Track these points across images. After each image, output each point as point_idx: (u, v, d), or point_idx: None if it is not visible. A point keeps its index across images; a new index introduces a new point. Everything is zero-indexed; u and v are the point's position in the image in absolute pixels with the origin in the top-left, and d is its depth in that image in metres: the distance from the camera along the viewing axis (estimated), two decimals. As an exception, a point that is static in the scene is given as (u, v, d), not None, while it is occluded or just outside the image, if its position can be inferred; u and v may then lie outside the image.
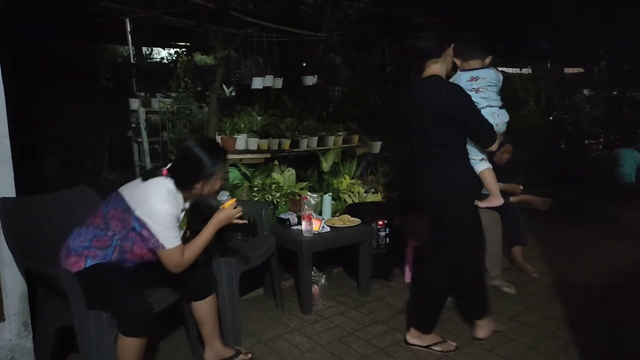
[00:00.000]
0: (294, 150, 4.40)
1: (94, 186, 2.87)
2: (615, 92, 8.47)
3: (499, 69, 8.15)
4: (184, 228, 2.51)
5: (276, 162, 4.18)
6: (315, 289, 3.38)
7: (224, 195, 2.52)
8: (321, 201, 3.60)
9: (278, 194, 3.69)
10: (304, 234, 3.18)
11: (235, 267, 2.79)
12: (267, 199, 3.68)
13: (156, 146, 4.22)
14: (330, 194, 3.73)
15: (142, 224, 2.14)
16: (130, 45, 4.95)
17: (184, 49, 5.76)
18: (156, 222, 2.13)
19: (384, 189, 4.32)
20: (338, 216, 3.61)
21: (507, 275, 3.85)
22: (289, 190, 3.73)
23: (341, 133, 4.82)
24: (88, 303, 2.14)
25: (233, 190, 3.77)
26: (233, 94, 4.26)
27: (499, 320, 3.09)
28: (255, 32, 4.58)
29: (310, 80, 4.98)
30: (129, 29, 4.80)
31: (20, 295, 2.50)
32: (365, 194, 4.12)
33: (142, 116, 4.19)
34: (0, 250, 2.42)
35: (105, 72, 4.75)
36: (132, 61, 5.04)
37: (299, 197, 3.63)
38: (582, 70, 8.92)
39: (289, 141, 4.35)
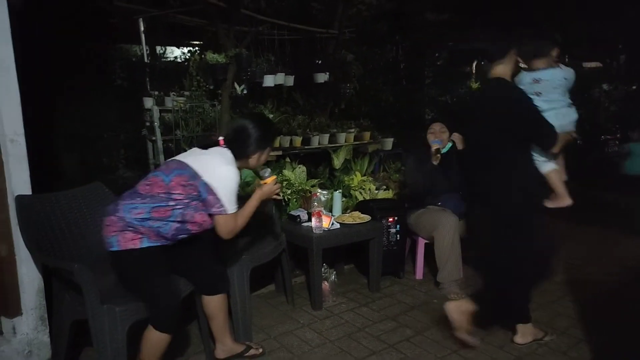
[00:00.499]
0: (306, 147, 4.41)
1: (110, 184, 2.90)
2: (634, 87, 8.31)
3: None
4: None
5: (288, 159, 4.20)
6: (325, 285, 3.40)
7: (266, 172, 2.66)
8: (331, 198, 3.61)
9: (289, 191, 3.71)
10: (314, 230, 3.19)
11: (245, 263, 2.82)
12: (278, 196, 3.69)
13: (170, 144, 4.26)
14: (341, 190, 3.74)
15: (210, 189, 2.21)
16: (144, 45, 5.01)
17: (197, 48, 5.81)
18: (223, 186, 2.23)
19: (396, 185, 4.31)
20: (349, 213, 3.62)
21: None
22: (299, 187, 3.74)
23: (353, 130, 4.82)
24: (124, 283, 2.24)
25: (244, 187, 3.79)
26: (245, 92, 4.28)
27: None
28: (267, 29, 4.60)
29: (322, 77, 4.98)
30: (142, 28, 4.86)
31: (36, 290, 2.55)
32: (377, 191, 4.12)
33: (156, 115, 4.23)
34: (17, 247, 2.47)
35: (120, 72, 4.80)
36: (146, 60, 5.10)
37: (309, 194, 3.64)
38: (601, 64, 8.77)
39: (301, 138, 4.37)
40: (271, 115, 4.34)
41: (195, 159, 2.28)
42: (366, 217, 3.49)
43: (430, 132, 3.72)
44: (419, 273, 3.80)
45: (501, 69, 2.59)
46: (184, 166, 2.24)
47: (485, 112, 2.56)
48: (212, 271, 2.54)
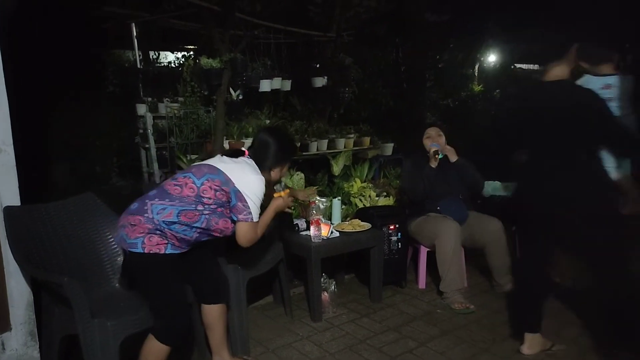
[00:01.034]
0: (304, 153, 4.34)
1: (102, 193, 2.85)
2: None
3: (517, 65, 8.07)
4: None
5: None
6: (325, 296, 3.32)
7: (279, 185, 2.76)
8: (331, 205, 3.53)
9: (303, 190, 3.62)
10: (312, 239, 3.12)
11: (242, 273, 2.75)
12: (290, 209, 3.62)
13: (164, 152, 4.19)
14: (340, 198, 3.67)
15: (241, 196, 2.24)
16: (137, 50, 4.95)
17: (191, 53, 5.75)
18: (253, 194, 2.27)
19: (397, 192, 4.24)
20: (348, 221, 3.54)
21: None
22: (317, 188, 3.67)
23: (352, 135, 4.75)
24: (138, 287, 2.28)
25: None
26: (240, 97, 4.22)
27: (515, 327, 3.01)
28: (263, 33, 4.54)
29: (320, 81, 4.92)
30: (135, 33, 4.79)
31: (26, 305, 2.49)
32: (377, 198, 4.04)
33: (150, 121, 4.17)
34: (5, 259, 2.41)
35: (112, 78, 4.76)
36: (138, 66, 5.04)
37: (308, 202, 3.56)
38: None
39: (299, 144, 4.29)
40: (268, 121, 4.28)
41: (227, 166, 2.32)
42: (366, 225, 3.42)
43: (427, 137, 3.68)
44: (422, 282, 3.72)
45: (559, 71, 2.51)
46: (217, 171, 2.27)
47: (559, 112, 2.46)
48: (213, 279, 2.52)
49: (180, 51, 6.10)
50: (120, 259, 2.63)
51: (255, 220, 2.29)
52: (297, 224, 3.36)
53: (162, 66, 5.95)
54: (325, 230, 3.20)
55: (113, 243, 2.65)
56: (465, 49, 7.50)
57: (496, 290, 3.55)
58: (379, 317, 3.24)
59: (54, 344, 2.38)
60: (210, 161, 2.39)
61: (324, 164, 4.49)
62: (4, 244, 2.39)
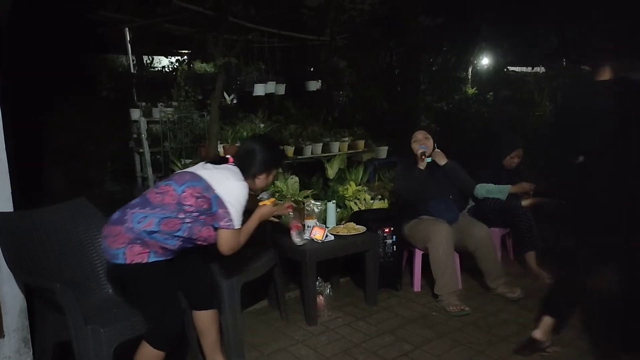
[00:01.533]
0: (298, 157, 4.34)
1: (96, 198, 2.83)
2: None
3: (510, 68, 8.06)
4: None
5: (280, 169, 4.11)
6: (320, 299, 3.31)
7: (265, 194, 2.70)
8: (325, 209, 3.52)
9: (281, 203, 3.62)
10: (295, 243, 3.11)
11: (236, 278, 2.74)
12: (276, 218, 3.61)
13: (158, 156, 4.18)
14: (334, 201, 3.66)
15: (221, 203, 2.21)
16: (130, 55, 4.93)
17: (185, 57, 5.74)
18: (235, 201, 2.23)
19: (391, 194, 4.24)
20: (343, 224, 3.54)
21: (520, 282, 3.75)
22: (292, 199, 3.65)
23: (346, 139, 4.75)
24: (128, 297, 2.25)
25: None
26: (234, 101, 4.21)
27: (510, 328, 3.01)
28: (257, 37, 4.53)
29: (314, 85, 4.92)
30: (128, 38, 4.78)
31: (19, 311, 2.48)
32: (372, 201, 4.04)
33: (144, 126, 4.16)
34: (-2, 266, 2.38)
35: (106, 82, 4.73)
36: (132, 71, 5.02)
37: (303, 205, 3.56)
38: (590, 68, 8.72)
39: (293, 148, 4.29)
40: (262, 125, 4.27)
41: (209, 172, 2.30)
42: (361, 228, 3.41)
43: (414, 141, 3.69)
44: (417, 285, 3.71)
45: (610, 70, 2.52)
46: (198, 178, 2.25)
47: (627, 110, 2.42)
48: (204, 285, 2.50)
49: (174, 56, 6.09)
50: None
51: (237, 227, 2.26)
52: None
53: (156, 71, 5.94)
54: (320, 234, 3.19)
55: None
56: (459, 52, 7.52)
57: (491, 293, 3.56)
58: (374, 320, 3.24)
59: (47, 350, 2.37)
60: (192, 168, 2.38)
61: (319, 167, 4.48)
62: (-4, 251, 2.36)
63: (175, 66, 5.73)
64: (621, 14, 2.74)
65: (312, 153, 4.44)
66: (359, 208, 3.93)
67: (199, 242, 2.31)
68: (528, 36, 7.15)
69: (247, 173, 2.40)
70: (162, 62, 6.20)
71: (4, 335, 2.44)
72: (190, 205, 2.19)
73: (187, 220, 2.20)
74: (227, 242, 2.27)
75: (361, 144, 4.86)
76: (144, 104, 4.63)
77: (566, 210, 3.22)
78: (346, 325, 3.17)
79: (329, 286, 3.52)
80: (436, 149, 3.69)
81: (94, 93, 4.65)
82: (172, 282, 2.30)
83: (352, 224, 3.49)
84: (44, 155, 3.85)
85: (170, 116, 4.21)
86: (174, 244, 2.22)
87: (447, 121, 7.10)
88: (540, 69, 7.82)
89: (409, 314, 3.32)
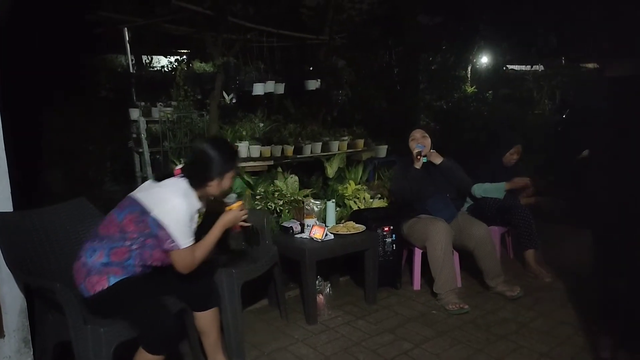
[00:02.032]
0: (298, 156, 4.34)
1: (95, 198, 2.83)
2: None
3: (509, 66, 8.06)
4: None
5: (279, 169, 4.12)
6: (320, 298, 3.31)
7: (231, 198, 2.54)
8: (325, 208, 3.53)
9: (281, 202, 3.63)
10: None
11: (236, 277, 2.73)
12: (270, 207, 3.61)
13: (157, 156, 4.18)
14: (334, 200, 3.66)
15: (159, 225, 2.13)
16: (129, 55, 4.93)
17: (184, 57, 5.74)
18: (173, 220, 2.13)
19: (391, 194, 4.24)
20: (343, 223, 3.54)
21: (519, 281, 3.76)
22: (292, 198, 3.66)
23: (346, 138, 4.75)
24: (113, 319, 2.15)
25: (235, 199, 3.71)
26: (234, 101, 4.21)
27: (509, 327, 3.03)
28: (256, 37, 4.54)
29: (313, 84, 4.92)
30: (127, 38, 4.78)
31: (19, 311, 2.47)
32: (371, 200, 4.05)
33: (143, 126, 4.16)
34: (-3, 266, 2.38)
35: (105, 82, 4.73)
36: (131, 70, 5.02)
37: (302, 205, 3.56)
38: (599, 66, 8.72)
39: (292, 147, 4.29)
40: (261, 125, 4.27)
41: (147, 193, 2.22)
42: (361, 227, 3.41)
43: (412, 139, 3.69)
44: (416, 283, 3.72)
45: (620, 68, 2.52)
46: (135, 202, 2.19)
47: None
48: (202, 285, 2.47)
49: (173, 55, 6.08)
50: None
51: (185, 246, 2.16)
52: (291, 227, 3.35)
53: (155, 70, 5.93)
54: (319, 233, 3.19)
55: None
56: (458, 51, 7.52)
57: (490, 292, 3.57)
58: (374, 319, 3.24)
59: (47, 350, 2.36)
60: (134, 192, 2.31)
61: (318, 166, 4.48)
62: (-4, 251, 2.36)
63: (174, 66, 5.72)
64: (621, 11, 2.72)
65: (311, 152, 4.44)
66: (358, 207, 3.93)
67: (156, 264, 2.25)
68: (527, 35, 7.15)
69: (196, 182, 2.28)
70: (161, 61, 6.20)
71: (4, 335, 2.43)
72: (133, 232, 2.15)
73: (134, 246, 2.17)
74: (178, 262, 2.19)
75: (360, 143, 4.86)
76: (143, 103, 4.63)
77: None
78: (346, 324, 3.18)
79: (329, 285, 3.52)
80: (431, 150, 3.68)
81: (93, 93, 4.65)
82: (151, 288, 2.24)
83: (351, 223, 3.49)
84: (44, 156, 3.85)
85: (169, 116, 4.21)
86: (133, 270, 2.19)
87: (446, 120, 7.11)
88: (539, 68, 7.83)
89: (409, 313, 3.32)
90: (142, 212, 2.15)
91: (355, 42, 5.94)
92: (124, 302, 2.15)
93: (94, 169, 4.52)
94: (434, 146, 3.71)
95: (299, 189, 3.87)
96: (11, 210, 2.42)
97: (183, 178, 2.27)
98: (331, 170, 4.35)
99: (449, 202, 3.64)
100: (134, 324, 2.14)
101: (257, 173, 4.14)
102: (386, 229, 3.57)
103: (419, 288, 3.71)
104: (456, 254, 3.61)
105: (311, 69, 5.10)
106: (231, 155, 2.39)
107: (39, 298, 2.40)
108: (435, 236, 3.39)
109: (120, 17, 4.36)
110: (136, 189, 2.33)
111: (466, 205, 4.10)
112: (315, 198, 3.73)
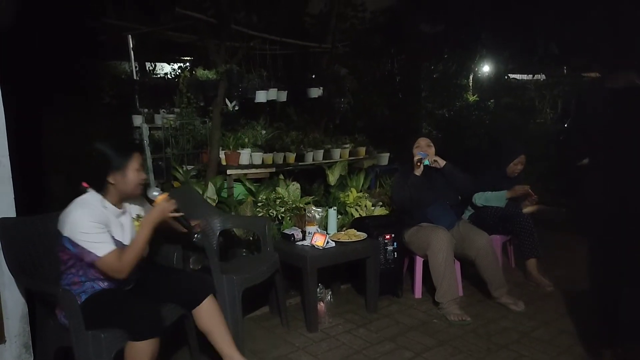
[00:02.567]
0: (299, 164, 4.35)
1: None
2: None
3: (511, 75, 8.09)
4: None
5: (281, 176, 4.13)
6: (321, 306, 3.31)
7: (154, 191, 2.38)
8: (326, 215, 3.53)
9: (282, 209, 3.63)
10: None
11: (237, 284, 2.74)
12: (272, 214, 3.62)
13: (160, 162, 4.19)
14: (335, 208, 3.66)
15: (73, 242, 2.12)
16: (133, 61, 4.96)
17: (187, 64, 5.78)
18: (79, 233, 2.11)
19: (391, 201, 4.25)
20: (344, 231, 3.54)
21: (521, 290, 3.75)
22: (293, 205, 3.66)
23: (347, 145, 4.77)
24: (98, 326, 2.13)
25: (237, 206, 3.72)
26: (236, 108, 4.23)
27: (511, 336, 3.02)
28: (259, 44, 4.56)
29: (316, 92, 4.95)
30: (131, 45, 4.81)
31: (20, 316, 2.48)
32: (373, 208, 4.05)
33: (146, 132, 4.16)
34: (0, 271, 2.39)
35: (108, 89, 4.75)
36: (135, 77, 5.05)
37: (304, 212, 3.57)
38: (600, 75, 8.72)
39: (294, 155, 4.31)
40: (264, 132, 4.29)
41: (60, 218, 2.20)
42: (362, 235, 3.41)
43: (416, 147, 3.70)
44: (418, 292, 3.71)
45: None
46: (57, 232, 2.19)
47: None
48: (187, 281, 2.46)
49: (177, 62, 6.12)
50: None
51: (104, 253, 2.12)
52: (293, 234, 3.35)
53: (158, 77, 5.97)
54: (321, 240, 3.19)
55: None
56: (460, 60, 7.56)
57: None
58: (375, 328, 3.23)
59: (48, 356, 2.36)
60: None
61: (320, 174, 4.49)
62: (-1, 256, 2.37)
63: (177, 73, 5.76)
64: (623, 21, 2.75)
65: (313, 160, 4.46)
66: (360, 215, 3.93)
67: (110, 278, 2.22)
68: (528, 44, 7.18)
69: (97, 183, 2.23)
70: (165, 69, 6.24)
71: (5, 341, 2.43)
72: (67, 260, 2.20)
73: (78, 271, 2.20)
74: (107, 270, 2.16)
75: (362, 150, 4.87)
76: (146, 110, 4.65)
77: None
78: (347, 332, 3.17)
79: (330, 293, 3.51)
80: (434, 157, 3.68)
81: (96, 99, 4.67)
82: (131, 296, 2.26)
83: (353, 231, 3.49)
84: (47, 161, 3.86)
85: (172, 123, 4.23)
86: (99, 287, 2.23)
87: (448, 128, 7.12)
88: (541, 77, 7.86)
89: (410, 321, 3.32)
90: (61, 238, 2.17)
91: (358, 50, 5.98)
92: (99, 309, 2.16)
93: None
94: (436, 154, 3.72)
95: (301, 196, 3.87)
96: (14, 215, 2.43)
97: (88, 189, 2.24)
98: (333, 177, 4.35)
99: (448, 210, 3.64)
100: (115, 325, 2.13)
101: (259, 180, 4.16)
102: (387, 236, 3.57)
103: (420, 296, 3.70)
104: (457, 263, 3.61)
105: (314, 76, 5.13)
106: (123, 146, 2.30)
107: (41, 303, 2.40)
108: (437, 245, 3.39)
109: (124, 24, 4.40)
110: None
111: (467, 214, 4.10)
112: (316, 205, 3.73)
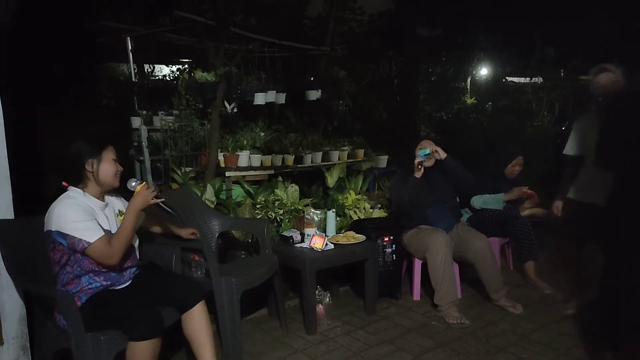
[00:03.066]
0: (298, 166, 4.35)
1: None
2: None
3: (508, 78, 8.10)
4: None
5: (280, 178, 4.13)
6: (319, 308, 3.30)
7: (133, 182, 2.44)
8: (325, 218, 3.53)
9: (281, 211, 3.63)
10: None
11: (235, 286, 2.73)
12: (270, 216, 3.62)
13: (158, 164, 4.19)
14: (334, 210, 3.66)
15: (63, 234, 2.15)
16: (132, 63, 4.95)
17: (186, 66, 5.78)
18: (65, 222, 2.14)
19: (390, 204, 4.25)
20: (343, 233, 3.54)
21: (519, 292, 3.76)
22: (292, 207, 3.67)
23: (346, 148, 4.77)
24: (97, 328, 2.14)
25: (235, 208, 3.72)
26: (235, 110, 4.23)
27: (509, 338, 3.03)
28: (257, 47, 4.57)
29: (314, 94, 4.95)
30: (130, 47, 4.80)
31: (18, 319, 2.46)
32: (372, 210, 4.05)
33: (144, 134, 4.17)
34: (-3, 273, 2.38)
35: (107, 91, 4.75)
36: (133, 79, 5.05)
37: (302, 214, 3.57)
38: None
39: (293, 157, 4.31)
40: (262, 134, 4.29)
41: (45, 219, 2.24)
42: (361, 237, 3.41)
43: (420, 148, 3.68)
44: (416, 294, 3.71)
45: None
46: (46, 234, 2.22)
47: None
48: (180, 285, 2.45)
49: (175, 64, 6.13)
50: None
51: (94, 238, 2.15)
52: (291, 236, 3.35)
53: (157, 79, 5.97)
54: (319, 243, 3.19)
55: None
56: (457, 63, 7.58)
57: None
58: (373, 330, 3.23)
59: (47, 358, 2.35)
60: None
61: (319, 176, 4.50)
62: (-4, 257, 2.36)
63: (176, 75, 5.77)
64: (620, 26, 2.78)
65: (311, 162, 4.46)
66: (358, 217, 3.94)
67: (103, 271, 2.26)
68: (526, 47, 7.21)
69: (74, 177, 2.29)
70: (163, 70, 6.24)
71: (3, 343, 2.42)
72: (61, 257, 2.20)
73: (75, 267, 2.21)
74: (95, 257, 2.19)
75: (361, 153, 4.88)
76: (144, 112, 4.64)
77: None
78: (345, 334, 3.17)
79: (329, 295, 3.51)
80: (436, 147, 3.66)
81: (95, 101, 4.67)
82: (127, 299, 2.25)
83: (351, 233, 3.49)
84: (45, 163, 3.86)
85: (170, 124, 4.23)
86: (96, 284, 2.25)
87: (446, 131, 7.14)
88: (538, 80, 7.89)
89: (408, 323, 3.32)
90: (47, 235, 2.20)
91: (356, 52, 6.00)
92: (98, 311, 2.17)
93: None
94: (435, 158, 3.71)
95: (299, 199, 3.88)
96: (12, 217, 2.42)
97: (68, 187, 2.30)
98: (331, 180, 4.36)
99: (447, 212, 3.64)
100: (114, 326, 2.14)
101: (258, 182, 4.16)
102: (386, 239, 3.57)
103: (418, 298, 3.70)
104: (456, 265, 3.61)
105: (312, 79, 5.13)
106: (97, 137, 2.38)
107: (39, 305, 2.40)
108: (435, 247, 3.39)
109: (123, 26, 4.40)
110: None
111: (466, 216, 4.11)
112: (315, 208, 3.73)
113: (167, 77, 5.99)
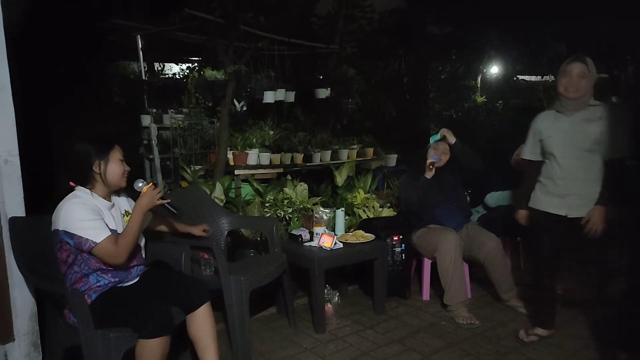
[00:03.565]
0: (307, 164, 4.35)
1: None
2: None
3: (519, 77, 8.02)
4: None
5: (289, 177, 4.13)
6: (328, 307, 3.30)
7: (140, 182, 2.45)
8: (334, 216, 3.52)
9: (290, 210, 3.63)
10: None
11: (244, 284, 2.73)
12: (279, 214, 3.62)
13: (168, 162, 4.21)
14: (343, 208, 3.65)
15: (69, 233, 2.15)
16: (142, 62, 4.98)
17: (195, 64, 5.79)
18: (72, 221, 2.15)
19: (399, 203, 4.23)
20: (352, 232, 3.53)
21: (530, 292, 3.71)
22: (301, 206, 3.66)
23: (355, 146, 4.76)
24: (107, 326, 2.15)
25: (244, 206, 3.72)
26: (244, 108, 4.24)
27: (518, 338, 3.01)
28: (267, 45, 4.57)
29: (323, 93, 4.94)
30: (140, 45, 4.82)
31: (29, 315, 2.49)
32: (381, 209, 4.04)
33: (154, 132, 4.18)
34: (9, 270, 2.41)
35: (117, 89, 4.77)
36: (143, 77, 5.07)
37: (311, 213, 3.56)
38: (607, 76, 8.70)
39: (302, 155, 4.30)
40: (271, 132, 4.29)
41: (52, 217, 2.24)
42: (370, 236, 3.40)
43: (433, 149, 3.65)
44: (426, 294, 3.69)
45: None
46: (53, 234, 2.23)
47: None
48: (187, 285, 2.45)
49: (185, 63, 6.14)
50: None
51: (101, 238, 2.16)
52: (300, 235, 3.35)
53: (166, 78, 5.99)
54: (328, 241, 3.19)
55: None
56: (468, 61, 7.54)
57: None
58: (382, 329, 3.22)
59: (57, 355, 2.37)
60: None
61: (328, 174, 4.48)
62: (8, 255, 2.39)
63: (185, 73, 5.78)
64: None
65: (321, 160, 4.45)
66: (367, 216, 3.92)
67: (110, 268, 2.26)
68: (537, 45, 7.14)
69: (81, 178, 2.29)
70: (173, 69, 6.26)
71: (14, 339, 2.45)
72: (68, 256, 2.21)
73: (83, 266, 2.21)
74: (105, 256, 2.20)
75: (370, 151, 4.86)
76: (154, 110, 4.67)
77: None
78: (354, 333, 3.16)
79: (338, 294, 3.51)
80: (446, 131, 3.62)
81: (105, 99, 4.69)
82: (135, 296, 2.27)
83: (360, 232, 3.48)
84: (55, 161, 3.89)
85: (180, 123, 4.24)
86: (104, 282, 2.25)
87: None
88: (549, 78, 7.82)
89: (418, 323, 3.30)
90: (54, 235, 2.20)
91: (366, 51, 5.98)
92: (107, 308, 2.18)
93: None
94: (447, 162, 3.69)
95: (308, 197, 3.87)
96: (24, 215, 2.44)
97: (76, 187, 2.30)
98: (340, 178, 4.34)
99: (455, 212, 3.62)
100: (124, 324, 2.15)
101: (267, 180, 4.16)
102: (395, 238, 3.56)
103: (428, 298, 3.68)
104: (466, 265, 3.59)
105: (321, 77, 5.13)
106: (104, 137, 2.39)
107: (50, 302, 2.42)
108: (445, 247, 3.37)
109: (133, 24, 4.42)
110: None
111: (476, 215, 4.08)
112: (324, 206, 3.73)
113: (177, 76, 6.01)
